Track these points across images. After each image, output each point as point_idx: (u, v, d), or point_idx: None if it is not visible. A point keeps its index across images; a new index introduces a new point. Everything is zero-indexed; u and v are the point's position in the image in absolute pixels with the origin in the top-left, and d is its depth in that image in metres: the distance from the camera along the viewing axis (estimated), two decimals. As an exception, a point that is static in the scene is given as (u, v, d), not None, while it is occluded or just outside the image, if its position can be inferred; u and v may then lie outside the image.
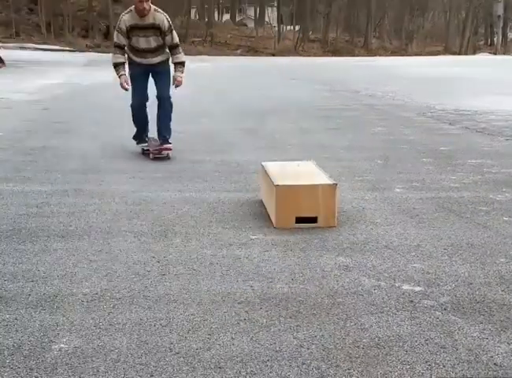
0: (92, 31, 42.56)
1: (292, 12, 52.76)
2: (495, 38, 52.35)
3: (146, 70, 5.84)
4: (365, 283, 2.93)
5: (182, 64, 5.82)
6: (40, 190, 4.69)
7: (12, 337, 2.38)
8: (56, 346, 2.30)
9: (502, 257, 3.29)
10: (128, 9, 5.69)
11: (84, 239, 3.56)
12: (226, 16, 59.38)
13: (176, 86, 5.85)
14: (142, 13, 5.56)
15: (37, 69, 20.31)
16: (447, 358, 2.23)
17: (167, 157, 5.89)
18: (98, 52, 36.08)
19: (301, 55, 43.55)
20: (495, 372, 2.15)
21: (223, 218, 4.01)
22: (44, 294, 2.78)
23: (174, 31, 5.76)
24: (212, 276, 3.00)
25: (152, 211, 4.16)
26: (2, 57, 21.09)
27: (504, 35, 52.97)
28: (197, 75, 17.33)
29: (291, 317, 2.56)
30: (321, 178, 4.06)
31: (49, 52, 33.12)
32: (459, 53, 47.65)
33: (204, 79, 17.07)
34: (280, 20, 50.60)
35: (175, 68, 5.84)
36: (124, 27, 5.61)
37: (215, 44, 45.27)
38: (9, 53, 25.60)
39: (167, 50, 5.86)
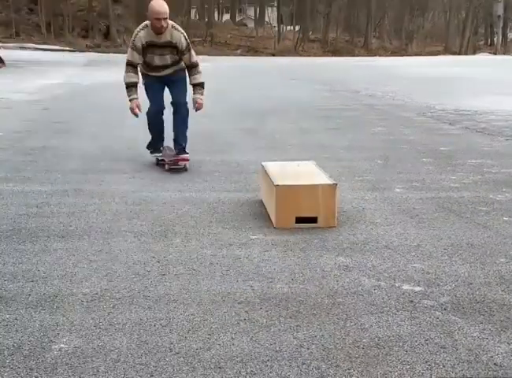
0: (92, 31, 42.55)
1: (292, 12, 52.76)
2: (495, 38, 52.34)
3: (161, 81, 5.48)
4: (365, 283, 2.93)
5: (201, 85, 5.39)
6: (40, 190, 4.69)
7: (12, 337, 2.38)
8: (56, 346, 2.30)
9: (502, 257, 3.29)
10: (144, 25, 5.26)
11: (84, 239, 3.56)
12: (226, 16, 59.40)
13: (197, 109, 5.43)
14: (159, 31, 5.17)
15: (37, 69, 20.31)
16: (447, 358, 2.23)
17: (184, 169, 5.41)
18: (98, 52, 36.12)
19: (301, 55, 43.55)
20: (495, 372, 2.15)
21: (223, 218, 4.01)
22: (44, 294, 2.78)
23: (192, 50, 5.36)
24: (212, 276, 3.00)
25: (152, 211, 4.16)
26: (2, 57, 21.09)
27: (504, 35, 52.96)
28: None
29: (291, 317, 2.56)
30: (321, 178, 4.06)
31: (49, 52, 33.12)
32: (459, 53, 47.64)
33: (204, 79, 17.01)
34: (280, 20, 50.60)
35: (194, 89, 5.39)
36: (139, 45, 5.18)
37: (215, 44, 45.29)
38: (9, 53, 25.59)
39: (183, 64, 5.47)
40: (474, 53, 48.75)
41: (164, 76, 5.43)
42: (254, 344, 2.33)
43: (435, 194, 4.65)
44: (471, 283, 2.93)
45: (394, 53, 46.67)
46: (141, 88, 5.47)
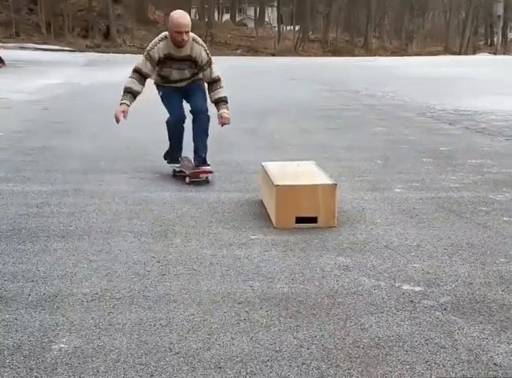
0: (92, 31, 42.55)
1: (292, 12, 52.75)
2: (495, 38, 52.34)
3: (178, 89, 5.11)
4: (365, 283, 2.93)
5: (225, 100, 5.00)
6: (40, 190, 4.69)
7: (12, 337, 2.38)
8: (56, 346, 2.30)
9: (502, 257, 3.29)
10: (163, 35, 4.89)
11: (84, 239, 3.56)
12: (226, 16, 59.38)
13: (223, 124, 4.99)
14: (179, 45, 4.80)
15: (37, 69, 20.31)
16: (447, 358, 2.23)
17: (206, 181, 5.00)
18: (98, 52, 36.13)
19: (301, 55, 43.55)
20: (495, 372, 2.15)
21: (223, 218, 4.01)
22: (44, 294, 2.78)
23: (213, 65, 4.99)
24: (212, 276, 3.00)
25: (152, 211, 4.16)
26: (2, 57, 21.09)
27: (504, 35, 52.95)
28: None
29: (291, 317, 2.56)
30: (321, 178, 4.06)
31: (49, 52, 33.11)
32: (459, 53, 47.64)
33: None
34: (280, 20, 50.60)
35: (217, 105, 4.99)
36: (156, 57, 4.82)
37: (215, 44, 45.22)
38: (9, 53, 25.59)
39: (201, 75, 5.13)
40: (474, 53, 48.75)
41: (181, 88, 5.11)
42: (254, 344, 2.33)
43: (435, 194, 4.65)
44: (471, 283, 2.93)
45: (394, 53, 46.68)
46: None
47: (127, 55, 34.37)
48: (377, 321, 2.52)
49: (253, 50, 45.15)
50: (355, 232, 3.72)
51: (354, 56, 42.67)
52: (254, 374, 2.13)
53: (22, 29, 41.18)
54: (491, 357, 2.25)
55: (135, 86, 4.86)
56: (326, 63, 30.91)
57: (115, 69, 20.52)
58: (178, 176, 5.16)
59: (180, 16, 4.77)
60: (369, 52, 46.92)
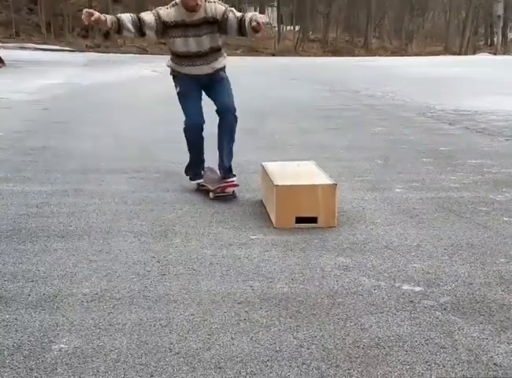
0: (92, 31, 42.50)
1: (292, 12, 52.74)
2: (495, 39, 52.33)
3: (198, 84, 4.53)
4: (365, 283, 2.93)
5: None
6: (40, 190, 4.69)
7: (12, 337, 2.38)
8: (56, 346, 2.31)
9: (502, 257, 3.29)
10: (173, 2, 4.38)
11: (84, 239, 3.56)
12: (226, 16, 59.36)
13: (256, 30, 4.04)
14: (193, 9, 4.28)
15: (37, 69, 20.32)
16: (447, 358, 2.23)
17: (233, 196, 4.52)
18: (98, 52, 36.14)
19: (301, 55, 43.56)
20: (495, 372, 2.15)
21: (223, 218, 4.01)
22: (44, 294, 2.78)
23: (233, 9, 4.36)
24: (212, 276, 3.00)
25: (152, 211, 4.16)
26: (2, 57, 21.09)
27: (504, 35, 52.95)
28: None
29: (291, 317, 2.56)
30: (321, 178, 4.06)
31: (49, 52, 33.14)
32: (459, 54, 47.64)
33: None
34: (280, 20, 50.59)
35: (249, 19, 4.13)
36: (164, 17, 4.30)
37: (215, 44, 45.25)
38: (9, 53, 25.60)
39: (224, 54, 4.65)
40: (474, 53, 48.75)
41: (201, 76, 4.50)
42: (254, 344, 2.33)
43: (435, 194, 4.65)
44: (471, 283, 2.93)
45: (394, 53, 46.67)
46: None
47: (127, 55, 34.40)
48: (377, 321, 2.52)
49: (253, 50, 45.14)
50: (355, 232, 3.72)
51: (354, 56, 42.67)
52: (254, 374, 2.13)
53: (22, 29, 41.19)
54: (491, 357, 2.25)
55: (126, 17, 4.32)
56: (326, 63, 30.92)
57: (115, 69, 20.53)
58: (201, 190, 4.67)
59: None
60: (369, 52, 46.91)
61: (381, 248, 3.44)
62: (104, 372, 2.13)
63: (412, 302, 2.72)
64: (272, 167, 4.36)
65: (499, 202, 4.43)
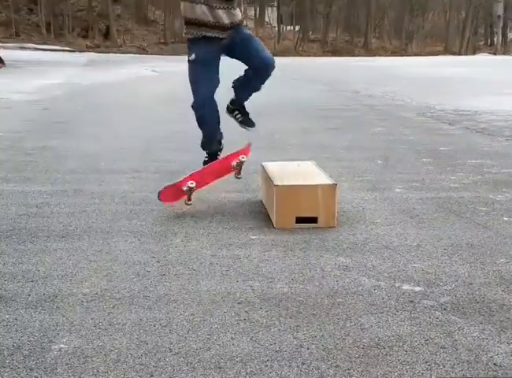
0: (92, 31, 42.57)
1: (292, 12, 52.76)
2: (495, 39, 52.33)
3: (218, 49, 4.05)
4: (365, 283, 2.93)
5: None
6: (40, 190, 4.69)
7: (12, 337, 2.38)
8: (56, 346, 2.30)
9: (502, 257, 3.29)
10: None
11: (84, 239, 3.56)
12: (226, 17, 59.31)
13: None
14: None
15: (37, 69, 20.31)
16: (447, 358, 2.23)
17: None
18: (98, 52, 36.13)
19: (301, 55, 43.56)
20: (495, 372, 2.15)
21: (223, 218, 4.01)
22: (44, 294, 2.78)
23: None
24: (212, 276, 3.00)
25: (152, 211, 4.16)
26: (2, 57, 21.09)
27: (504, 35, 52.94)
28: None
29: (291, 317, 2.56)
30: (321, 178, 4.06)
31: (49, 52, 33.12)
32: (459, 54, 47.64)
33: None
34: (280, 20, 50.61)
35: None
36: None
37: (215, 44, 45.26)
38: (9, 53, 25.59)
39: (239, 11, 4.10)
40: (474, 53, 48.74)
41: (221, 39, 3.99)
42: (254, 344, 2.33)
43: (435, 194, 4.65)
44: (471, 283, 2.93)
45: (394, 54, 46.68)
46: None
47: (127, 55, 34.40)
48: (377, 321, 2.52)
49: (253, 50, 45.11)
50: (355, 232, 3.72)
51: (353, 56, 42.67)
52: (254, 374, 2.13)
53: (22, 29, 41.19)
54: (491, 357, 2.25)
55: None
56: (326, 63, 30.92)
57: (115, 69, 20.52)
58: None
59: None
60: (369, 52, 46.91)
61: (381, 248, 3.43)
62: (104, 372, 2.13)
63: (412, 302, 2.72)
64: (272, 167, 4.36)
65: (499, 202, 4.43)
